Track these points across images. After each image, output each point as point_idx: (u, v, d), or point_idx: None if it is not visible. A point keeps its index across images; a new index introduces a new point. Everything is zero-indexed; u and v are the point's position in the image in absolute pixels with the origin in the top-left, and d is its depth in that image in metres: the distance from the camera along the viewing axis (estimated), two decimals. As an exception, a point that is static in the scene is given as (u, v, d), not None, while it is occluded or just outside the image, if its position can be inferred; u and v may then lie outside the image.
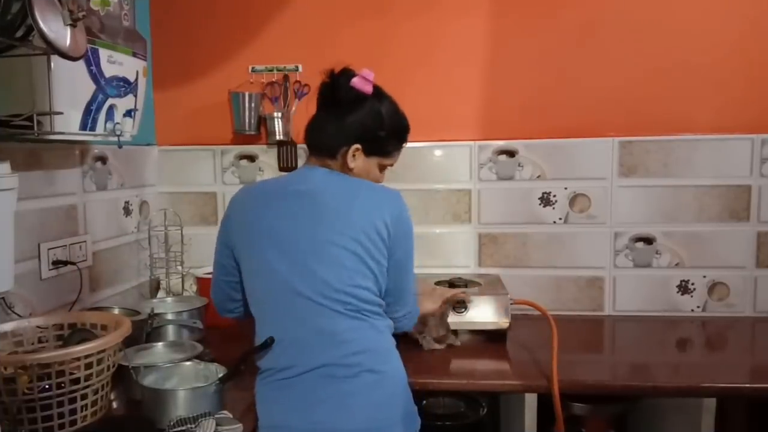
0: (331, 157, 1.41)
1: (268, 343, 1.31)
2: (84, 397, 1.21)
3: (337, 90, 1.40)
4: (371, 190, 1.39)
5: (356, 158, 1.41)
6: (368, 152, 1.42)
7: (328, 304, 1.30)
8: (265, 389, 1.34)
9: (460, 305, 1.82)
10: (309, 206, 1.35)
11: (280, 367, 1.31)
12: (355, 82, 1.40)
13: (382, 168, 1.48)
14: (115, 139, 1.55)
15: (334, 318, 1.30)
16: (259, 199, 1.41)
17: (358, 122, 1.40)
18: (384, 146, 1.45)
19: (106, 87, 1.48)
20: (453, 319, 1.82)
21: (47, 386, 1.16)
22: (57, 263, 1.64)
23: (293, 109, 2.16)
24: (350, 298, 1.31)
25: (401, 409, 1.33)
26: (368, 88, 1.41)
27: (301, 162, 2.18)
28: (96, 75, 1.44)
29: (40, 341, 1.39)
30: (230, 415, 1.26)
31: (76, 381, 1.19)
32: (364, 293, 1.32)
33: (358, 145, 1.40)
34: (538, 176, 2.12)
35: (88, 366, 1.20)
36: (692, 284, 2.10)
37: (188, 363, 1.44)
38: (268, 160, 2.22)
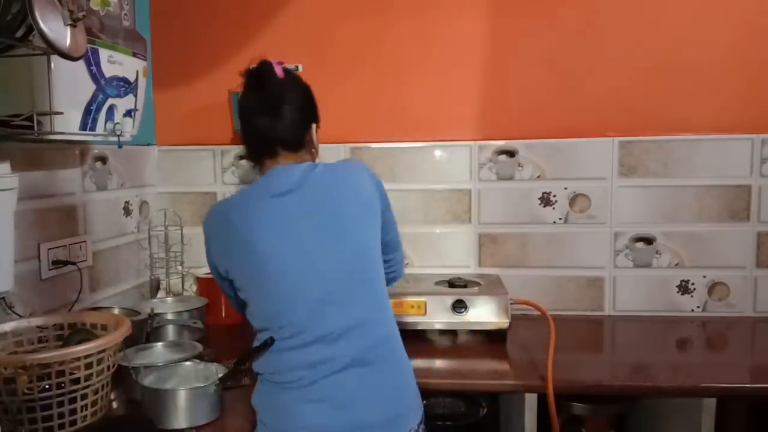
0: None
1: (268, 344, 1.31)
2: (84, 397, 1.21)
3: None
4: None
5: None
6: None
7: None
8: None
9: None
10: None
11: None
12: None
13: None
14: (115, 139, 1.56)
15: None
16: None
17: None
18: None
19: (106, 87, 1.48)
20: (453, 318, 1.82)
21: (47, 386, 1.16)
22: (57, 263, 1.64)
23: (293, 109, 2.16)
24: None
25: None
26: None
27: (301, 162, 2.18)
28: (96, 75, 1.44)
29: (40, 341, 1.38)
30: None
31: (76, 381, 1.19)
32: None
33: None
34: (538, 176, 2.12)
35: (88, 366, 1.20)
36: (692, 284, 2.10)
37: (188, 363, 1.44)
38: (268, 160, 2.21)
